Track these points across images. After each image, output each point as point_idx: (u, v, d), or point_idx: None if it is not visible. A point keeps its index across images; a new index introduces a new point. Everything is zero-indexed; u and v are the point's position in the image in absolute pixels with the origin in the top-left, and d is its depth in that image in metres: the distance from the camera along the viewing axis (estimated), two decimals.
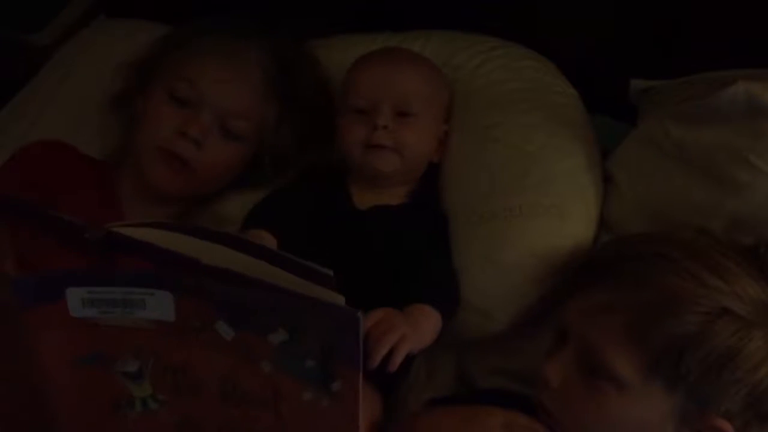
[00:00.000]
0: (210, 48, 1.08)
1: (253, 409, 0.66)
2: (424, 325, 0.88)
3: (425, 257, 0.97)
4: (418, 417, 0.90)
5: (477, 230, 1.00)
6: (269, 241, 0.95)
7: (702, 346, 0.76)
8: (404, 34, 1.19)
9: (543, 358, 0.85)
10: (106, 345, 0.66)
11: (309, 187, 1.08)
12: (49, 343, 0.66)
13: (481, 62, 1.13)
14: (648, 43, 1.15)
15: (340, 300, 0.61)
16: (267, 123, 1.10)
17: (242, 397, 0.66)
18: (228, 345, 0.63)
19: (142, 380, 0.67)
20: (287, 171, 1.12)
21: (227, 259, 0.63)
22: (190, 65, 1.07)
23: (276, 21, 1.15)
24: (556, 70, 1.14)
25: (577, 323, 0.83)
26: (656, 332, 0.77)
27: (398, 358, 0.81)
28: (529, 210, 0.99)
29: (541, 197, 1.00)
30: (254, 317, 0.62)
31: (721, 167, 0.91)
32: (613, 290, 0.81)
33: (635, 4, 1.14)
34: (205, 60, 1.07)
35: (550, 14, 1.19)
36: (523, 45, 1.16)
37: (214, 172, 1.07)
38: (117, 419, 0.69)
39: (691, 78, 1.00)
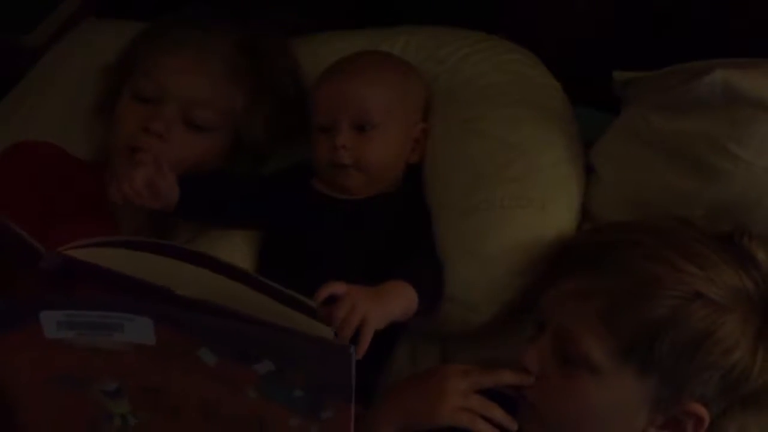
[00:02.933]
0: (168, 41, 1.08)
1: (237, 430, 0.65)
2: (391, 301, 0.87)
3: (400, 240, 0.96)
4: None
5: (460, 223, 1.00)
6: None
7: (674, 330, 0.76)
8: (388, 30, 1.20)
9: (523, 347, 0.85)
10: (82, 365, 0.64)
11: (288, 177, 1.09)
12: (23, 364, 0.64)
13: (465, 56, 1.13)
14: (632, 34, 1.15)
15: (328, 332, 0.59)
16: (236, 112, 1.09)
17: (225, 420, 0.65)
18: (211, 371, 0.62)
19: (121, 398, 0.66)
20: (267, 161, 1.11)
21: (205, 283, 0.61)
22: (149, 60, 1.07)
23: (257, 16, 1.15)
24: (539, 63, 1.14)
25: (553, 310, 0.83)
26: (629, 317, 0.77)
27: (364, 345, 0.80)
28: (511, 202, 0.99)
29: (523, 189, 1.00)
30: (239, 347, 0.60)
31: (701, 156, 0.91)
32: (588, 277, 0.82)
33: None
34: (162, 52, 1.07)
35: (534, 7, 1.19)
36: (507, 38, 1.16)
37: (184, 165, 1.05)
38: None
39: (672, 68, 0.99)
